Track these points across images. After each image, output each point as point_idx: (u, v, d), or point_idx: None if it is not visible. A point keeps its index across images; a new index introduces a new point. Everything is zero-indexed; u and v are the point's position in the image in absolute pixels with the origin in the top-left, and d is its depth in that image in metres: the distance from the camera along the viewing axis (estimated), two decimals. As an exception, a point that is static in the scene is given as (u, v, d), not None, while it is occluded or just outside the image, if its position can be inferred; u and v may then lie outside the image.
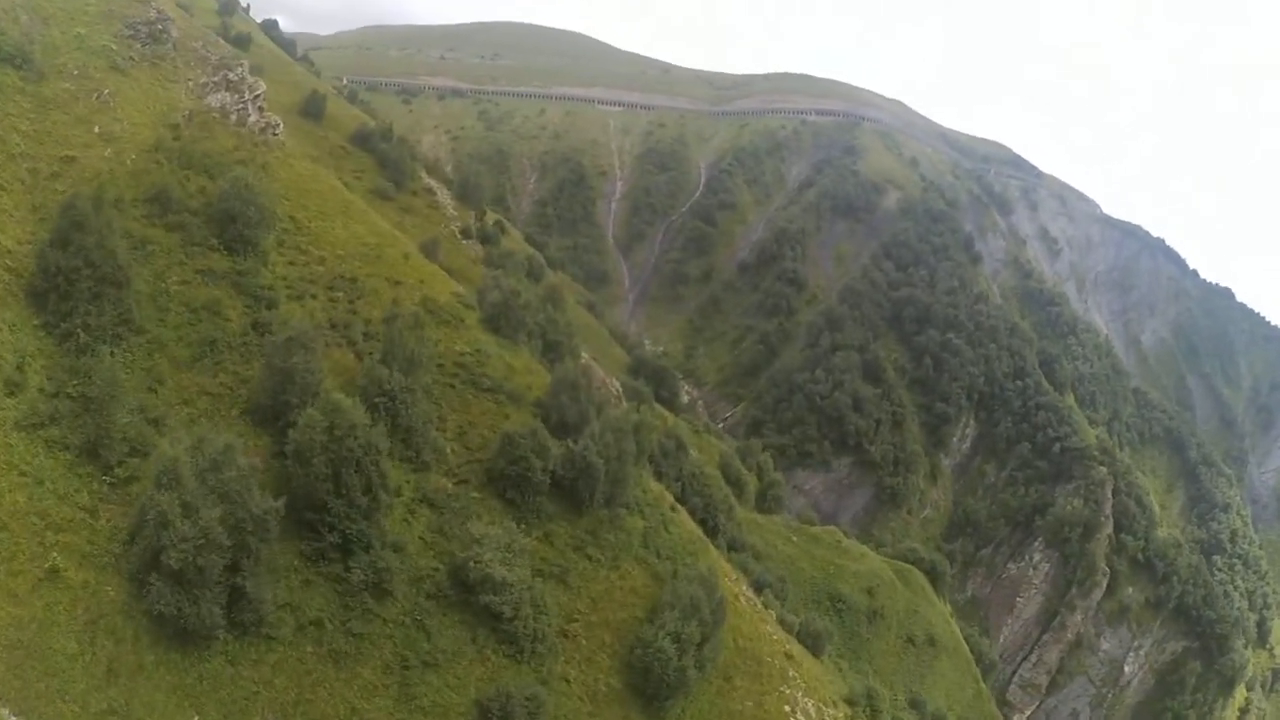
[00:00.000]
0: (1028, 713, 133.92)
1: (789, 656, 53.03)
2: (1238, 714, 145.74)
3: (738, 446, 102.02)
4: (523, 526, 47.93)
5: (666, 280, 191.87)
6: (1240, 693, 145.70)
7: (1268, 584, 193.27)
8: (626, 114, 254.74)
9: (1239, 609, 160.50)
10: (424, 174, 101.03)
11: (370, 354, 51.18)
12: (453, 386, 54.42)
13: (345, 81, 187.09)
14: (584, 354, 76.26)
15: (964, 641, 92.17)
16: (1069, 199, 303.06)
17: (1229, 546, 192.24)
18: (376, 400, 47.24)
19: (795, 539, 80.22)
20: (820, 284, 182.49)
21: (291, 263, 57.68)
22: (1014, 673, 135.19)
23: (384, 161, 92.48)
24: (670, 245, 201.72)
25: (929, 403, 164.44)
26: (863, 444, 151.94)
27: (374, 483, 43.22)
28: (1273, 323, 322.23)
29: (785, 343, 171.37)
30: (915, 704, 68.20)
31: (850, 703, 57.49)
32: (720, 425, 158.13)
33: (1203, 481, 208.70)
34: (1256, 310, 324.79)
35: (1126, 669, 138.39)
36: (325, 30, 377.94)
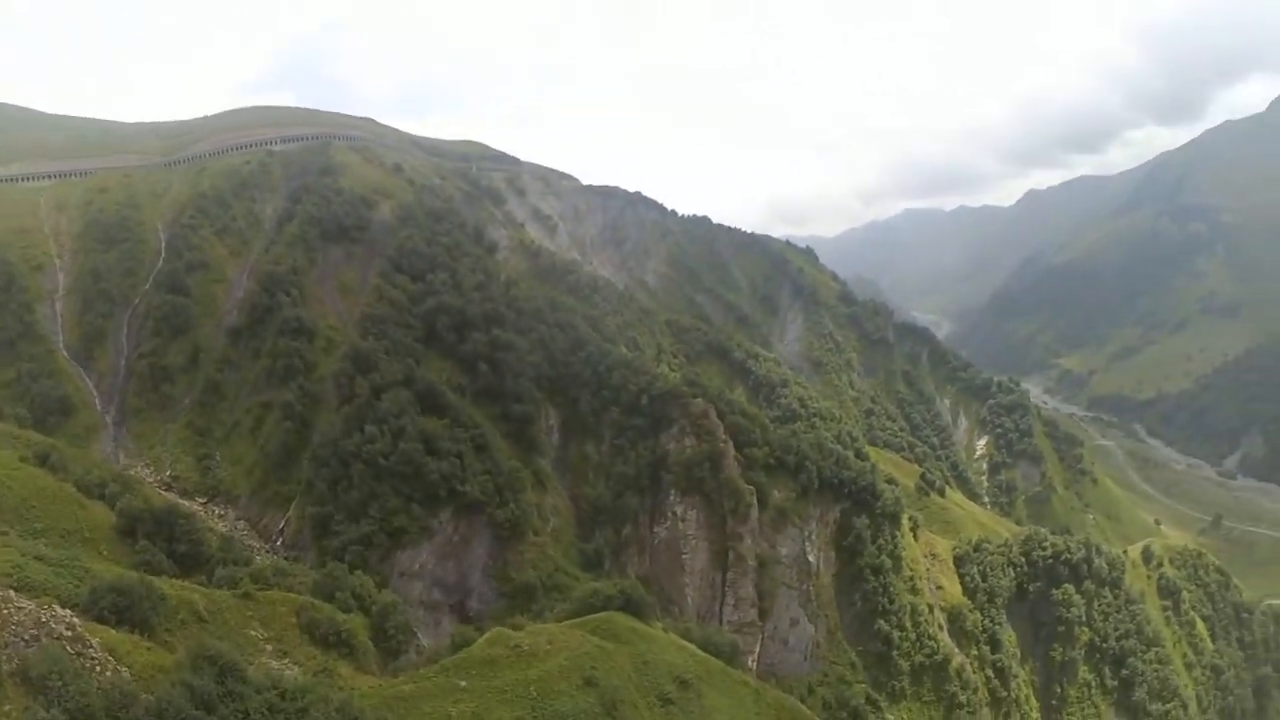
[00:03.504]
0: (757, 649, 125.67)
1: None
2: (912, 527, 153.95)
3: (317, 580, 68.92)
4: None
5: (146, 381, 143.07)
6: (905, 518, 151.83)
7: (845, 425, 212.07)
8: (60, 185, 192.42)
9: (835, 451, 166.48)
10: None
11: None
12: None
13: None
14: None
15: (707, 654, 71.88)
16: (550, 179, 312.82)
17: (802, 413, 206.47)
18: None
19: (464, 681, 51.88)
20: (332, 324, 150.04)
21: None
22: (722, 624, 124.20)
23: None
24: (140, 335, 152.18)
25: (503, 409, 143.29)
26: (455, 487, 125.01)
27: None
28: (748, 231, 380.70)
29: (316, 408, 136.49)
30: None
31: None
32: (279, 543, 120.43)
33: (756, 373, 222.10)
34: (732, 226, 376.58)
35: (811, 558, 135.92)
36: None
